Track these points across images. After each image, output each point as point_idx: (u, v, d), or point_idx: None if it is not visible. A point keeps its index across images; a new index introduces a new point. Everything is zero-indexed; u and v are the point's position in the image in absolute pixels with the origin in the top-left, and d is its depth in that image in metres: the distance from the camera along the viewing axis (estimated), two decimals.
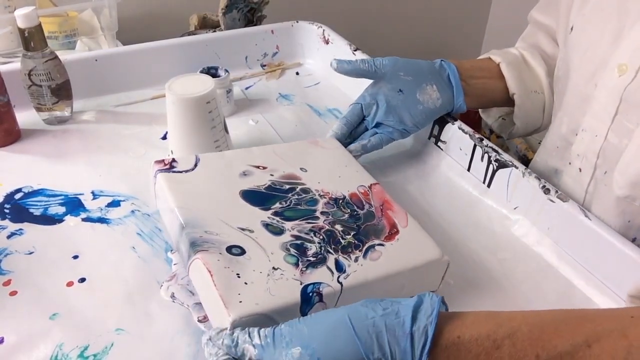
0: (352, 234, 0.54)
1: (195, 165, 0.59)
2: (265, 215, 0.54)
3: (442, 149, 0.75)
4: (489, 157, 0.67)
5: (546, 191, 0.60)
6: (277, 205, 0.56)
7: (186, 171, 0.58)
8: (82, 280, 0.56)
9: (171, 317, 0.53)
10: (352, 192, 0.59)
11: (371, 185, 0.61)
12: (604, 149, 0.60)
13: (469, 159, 0.71)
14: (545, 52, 0.77)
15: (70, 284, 0.56)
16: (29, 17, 0.72)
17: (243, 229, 0.52)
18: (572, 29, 0.65)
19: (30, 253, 0.59)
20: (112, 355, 0.49)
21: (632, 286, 0.47)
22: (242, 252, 0.50)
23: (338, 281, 0.48)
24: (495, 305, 0.55)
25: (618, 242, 0.54)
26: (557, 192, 0.60)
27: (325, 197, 0.58)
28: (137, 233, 0.62)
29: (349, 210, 0.57)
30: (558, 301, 0.56)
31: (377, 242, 0.53)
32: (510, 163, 0.65)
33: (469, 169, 0.71)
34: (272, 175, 0.60)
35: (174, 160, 0.59)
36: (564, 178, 0.67)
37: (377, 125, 0.70)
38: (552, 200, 0.60)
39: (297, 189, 0.58)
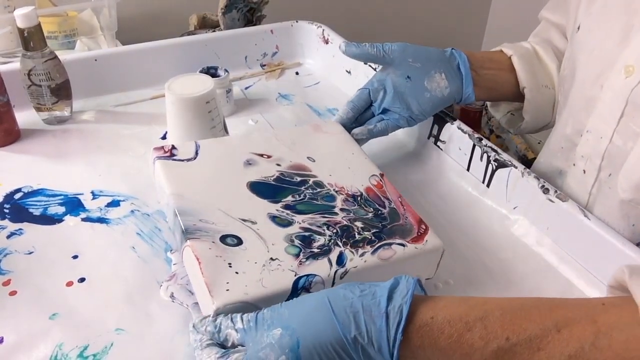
0: (372, 231, 0.53)
1: (196, 153, 0.58)
2: (274, 208, 0.53)
3: (441, 149, 0.75)
4: (488, 156, 0.67)
5: (545, 191, 0.60)
6: (290, 198, 0.55)
7: (187, 160, 0.57)
8: (82, 280, 0.56)
9: (171, 317, 0.53)
10: (367, 186, 0.58)
11: (381, 175, 0.60)
12: (609, 151, 0.59)
13: (468, 159, 0.71)
14: (558, 48, 0.76)
15: (70, 283, 0.56)
16: (28, 17, 0.72)
17: (244, 220, 0.51)
18: (579, 28, 0.65)
19: (30, 253, 0.59)
20: (111, 355, 0.49)
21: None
22: (239, 242, 0.49)
23: (334, 276, 0.48)
24: None
25: (618, 242, 0.54)
26: (556, 191, 0.60)
27: (342, 194, 0.57)
28: (136, 233, 0.62)
29: (372, 210, 0.55)
30: None
31: (398, 241, 0.52)
32: (510, 163, 0.65)
33: (468, 169, 0.71)
34: (279, 165, 0.59)
35: (173, 147, 0.58)
36: (567, 179, 0.66)
37: (384, 111, 0.70)
38: (551, 200, 0.60)
39: (310, 182, 0.58)
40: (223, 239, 0.49)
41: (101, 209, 0.65)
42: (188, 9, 1.15)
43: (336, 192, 0.57)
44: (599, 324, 0.38)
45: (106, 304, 0.54)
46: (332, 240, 0.51)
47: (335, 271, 0.48)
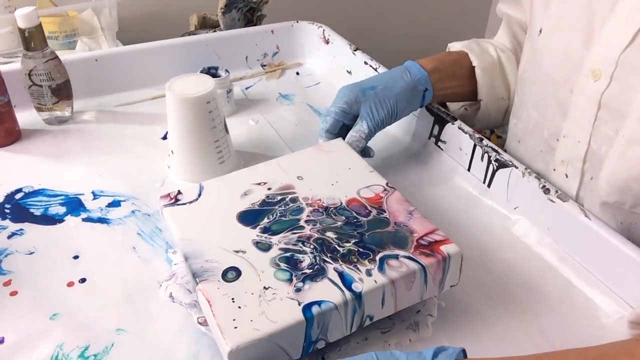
0: (352, 241, 0.52)
1: (199, 194, 0.58)
2: (255, 234, 0.53)
3: (442, 149, 0.75)
4: (489, 157, 0.67)
5: (546, 191, 0.61)
6: (265, 220, 0.54)
7: (190, 202, 0.57)
8: (83, 280, 0.56)
9: (171, 317, 0.53)
10: (351, 197, 0.57)
11: (385, 188, 0.58)
12: (589, 154, 0.59)
13: (469, 159, 0.71)
14: (522, 45, 0.76)
15: (70, 284, 0.56)
16: (29, 17, 0.73)
17: (237, 251, 0.51)
18: (540, 31, 0.64)
19: (31, 253, 0.59)
20: (112, 356, 0.49)
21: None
22: (238, 274, 0.49)
23: (345, 296, 0.46)
24: (495, 305, 0.55)
25: (618, 242, 0.54)
26: (557, 192, 0.60)
27: (312, 206, 0.56)
28: (137, 233, 0.62)
29: (343, 218, 0.54)
30: (558, 301, 0.56)
31: (402, 253, 0.50)
32: (510, 163, 0.65)
33: (469, 169, 0.71)
34: (269, 189, 0.58)
35: (179, 192, 0.58)
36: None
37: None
38: (552, 200, 0.60)
39: (287, 199, 0.57)
40: (224, 274, 0.49)
41: (102, 209, 0.66)
42: (188, 9, 1.15)
43: (308, 205, 0.56)
44: (638, 355, 0.38)
45: (106, 304, 0.54)
46: (317, 257, 0.50)
47: (347, 292, 0.47)
